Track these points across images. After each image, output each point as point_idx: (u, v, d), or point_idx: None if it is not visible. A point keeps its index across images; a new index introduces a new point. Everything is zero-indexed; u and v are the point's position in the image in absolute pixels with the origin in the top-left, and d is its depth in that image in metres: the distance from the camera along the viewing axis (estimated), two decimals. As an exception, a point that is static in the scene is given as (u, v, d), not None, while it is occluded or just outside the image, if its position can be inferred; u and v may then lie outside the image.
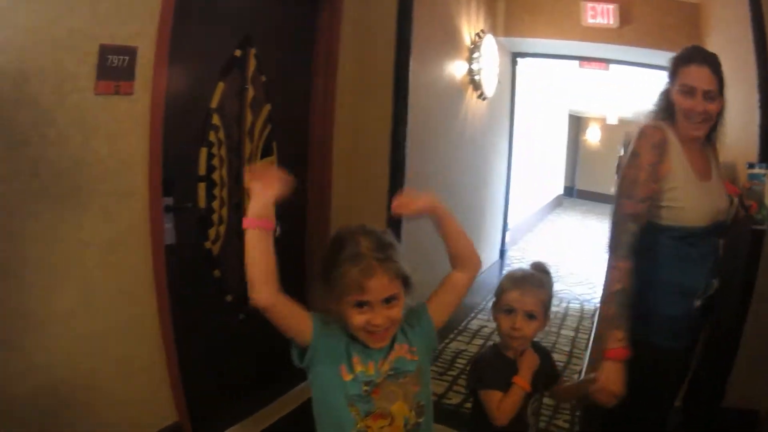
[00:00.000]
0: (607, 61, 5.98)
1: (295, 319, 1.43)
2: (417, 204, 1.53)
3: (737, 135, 2.70)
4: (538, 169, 10.59)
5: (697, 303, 1.96)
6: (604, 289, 1.91)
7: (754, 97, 2.75)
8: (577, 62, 6.38)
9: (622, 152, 4.42)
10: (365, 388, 1.48)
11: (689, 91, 1.86)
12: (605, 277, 1.91)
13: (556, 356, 4.26)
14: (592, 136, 15.76)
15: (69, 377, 1.76)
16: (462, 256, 1.60)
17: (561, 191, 14.58)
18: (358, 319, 1.45)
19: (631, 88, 8.29)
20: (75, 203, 1.71)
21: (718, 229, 1.99)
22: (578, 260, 8.22)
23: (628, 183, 1.89)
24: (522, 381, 1.73)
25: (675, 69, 1.93)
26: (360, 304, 1.44)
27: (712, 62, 1.89)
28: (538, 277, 1.85)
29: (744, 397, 2.90)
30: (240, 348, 2.49)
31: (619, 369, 1.81)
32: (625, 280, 1.84)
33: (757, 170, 2.20)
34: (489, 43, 4.73)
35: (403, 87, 3.20)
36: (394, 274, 1.46)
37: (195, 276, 2.21)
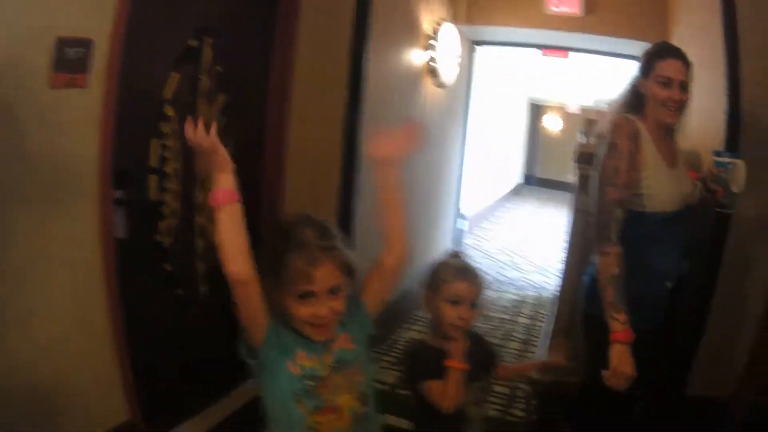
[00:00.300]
0: (570, 50, 6.01)
1: (260, 304, 1.43)
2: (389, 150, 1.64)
3: (701, 122, 2.85)
4: (496, 158, 10.71)
5: (669, 285, 2.19)
6: (599, 276, 2.05)
7: (720, 85, 2.89)
8: (537, 50, 6.42)
9: (584, 140, 4.51)
10: (311, 383, 1.48)
11: (667, 82, 2.08)
12: (597, 264, 2.07)
13: (511, 344, 4.45)
14: (552, 124, 15.95)
15: (30, 378, 1.77)
16: (392, 235, 1.61)
17: (520, 180, 14.80)
18: (303, 311, 1.45)
19: (592, 76, 8.40)
20: (36, 199, 1.73)
21: (688, 213, 2.20)
22: (535, 248, 8.38)
23: (610, 172, 2.06)
24: (455, 363, 1.79)
25: (650, 63, 2.14)
26: (305, 296, 1.44)
27: (683, 57, 2.12)
28: (473, 266, 1.94)
29: (707, 384, 3.02)
30: (192, 342, 2.51)
31: (628, 351, 1.96)
32: (619, 264, 2.01)
33: (722, 158, 2.34)
34: (448, 31, 4.77)
35: (359, 76, 3.23)
36: (338, 263, 1.47)
37: (146, 270, 2.23)
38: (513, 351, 4.37)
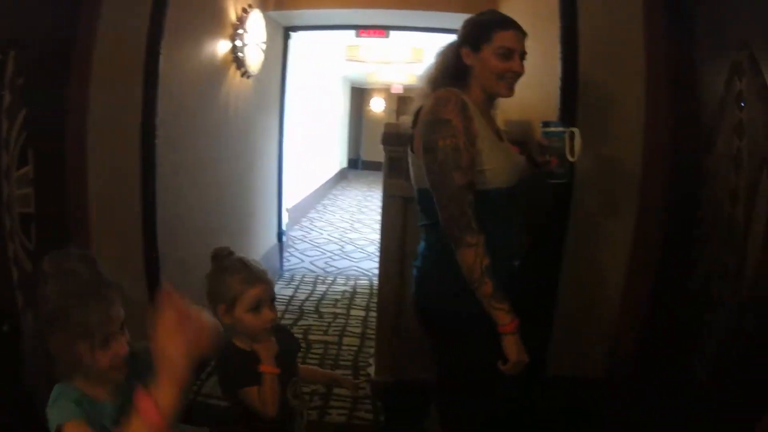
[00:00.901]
0: (388, 28, 6.24)
1: None
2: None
3: (532, 92, 2.99)
4: (317, 145, 10.92)
5: (516, 263, 2.21)
6: (470, 271, 1.96)
7: (552, 53, 3.03)
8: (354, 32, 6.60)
9: (404, 120, 4.70)
10: None
11: (507, 54, 2.11)
12: (463, 260, 1.97)
13: (347, 340, 4.66)
14: (376, 106, 16.55)
15: None
16: None
17: (345, 164, 15.22)
18: (105, 359, 1.37)
19: (414, 54, 8.81)
20: None
21: (522, 187, 2.23)
22: (364, 234, 8.71)
23: (450, 153, 1.98)
24: (268, 367, 1.90)
25: (486, 33, 2.13)
26: (106, 340, 1.37)
27: (521, 27, 2.16)
28: (253, 262, 1.99)
29: (564, 364, 3.15)
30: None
31: (518, 339, 1.98)
32: (487, 251, 1.96)
33: (553, 128, 2.34)
34: (256, 17, 4.89)
35: (154, 72, 3.17)
36: (119, 294, 1.43)
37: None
38: (350, 348, 4.52)
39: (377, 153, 15.45)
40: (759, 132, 2.13)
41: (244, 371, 1.91)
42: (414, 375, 3.47)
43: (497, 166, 2.09)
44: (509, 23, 2.15)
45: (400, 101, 15.24)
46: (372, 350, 4.28)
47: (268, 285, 1.98)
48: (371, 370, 3.91)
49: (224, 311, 1.93)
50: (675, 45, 2.76)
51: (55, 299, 1.34)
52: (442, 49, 2.30)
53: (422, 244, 2.27)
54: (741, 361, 2.20)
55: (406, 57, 9.32)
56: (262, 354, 1.94)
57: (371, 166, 16.20)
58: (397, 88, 13.81)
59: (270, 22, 5.26)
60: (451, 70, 2.22)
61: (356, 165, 16.72)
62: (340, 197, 12.33)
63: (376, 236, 8.15)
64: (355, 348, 4.53)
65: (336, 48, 9.32)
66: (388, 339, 3.67)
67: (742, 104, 2.25)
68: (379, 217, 9.33)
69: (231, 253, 2.00)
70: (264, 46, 5.14)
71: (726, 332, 2.29)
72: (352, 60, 9.86)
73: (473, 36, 2.17)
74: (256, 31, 4.92)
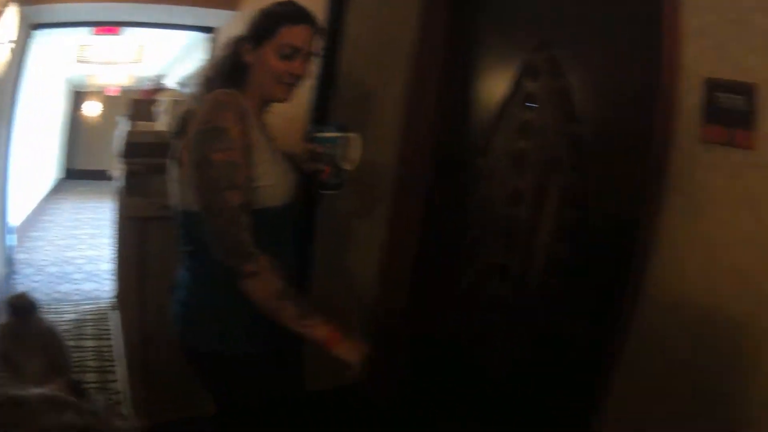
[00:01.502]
0: (125, 25, 6.12)
1: None
2: None
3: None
4: (39, 155, 10.35)
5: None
6: (261, 303, 1.82)
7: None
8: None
9: (129, 126, 4.46)
10: None
11: (290, 54, 1.91)
12: (249, 291, 1.81)
13: (87, 376, 4.30)
14: (91, 110, 15.74)
15: None
16: None
17: (62, 174, 14.41)
18: None
19: (137, 54, 8.67)
20: None
21: (296, 202, 2.05)
22: (81, 251, 8.26)
23: (224, 169, 1.76)
24: None
25: (273, 28, 1.91)
26: None
27: (315, 22, 1.97)
28: (39, 332, 1.74)
29: (323, 377, 2.82)
30: None
31: (348, 344, 1.86)
32: (278, 274, 1.81)
33: (327, 134, 2.15)
34: (11, 13, 4.54)
35: None
36: None
37: None
38: (92, 385, 4.22)
39: (90, 161, 14.89)
40: (551, 133, 2.21)
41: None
42: (171, 415, 3.35)
43: (274, 182, 1.92)
44: (300, 17, 1.95)
45: (137, 105, 14.71)
46: (116, 384, 4.10)
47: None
48: (122, 409, 3.68)
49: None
50: (449, 46, 2.71)
51: None
52: (223, 43, 2.06)
53: (185, 274, 2.04)
54: (538, 361, 2.27)
55: (132, 57, 9.12)
56: None
57: (83, 176, 15.38)
58: (113, 90, 13.32)
59: (23, 18, 4.90)
60: (227, 69, 1.98)
61: (72, 175, 15.80)
62: (56, 212, 11.52)
63: (93, 252, 7.89)
64: (98, 385, 4.23)
65: (72, 48, 8.84)
66: (139, 379, 3.45)
67: (532, 105, 2.30)
68: (93, 231, 9.05)
69: (31, 308, 1.75)
70: (13, 45, 4.80)
71: (516, 332, 2.34)
72: (82, 61, 9.40)
73: (256, 29, 1.95)
74: (6, 28, 4.56)
